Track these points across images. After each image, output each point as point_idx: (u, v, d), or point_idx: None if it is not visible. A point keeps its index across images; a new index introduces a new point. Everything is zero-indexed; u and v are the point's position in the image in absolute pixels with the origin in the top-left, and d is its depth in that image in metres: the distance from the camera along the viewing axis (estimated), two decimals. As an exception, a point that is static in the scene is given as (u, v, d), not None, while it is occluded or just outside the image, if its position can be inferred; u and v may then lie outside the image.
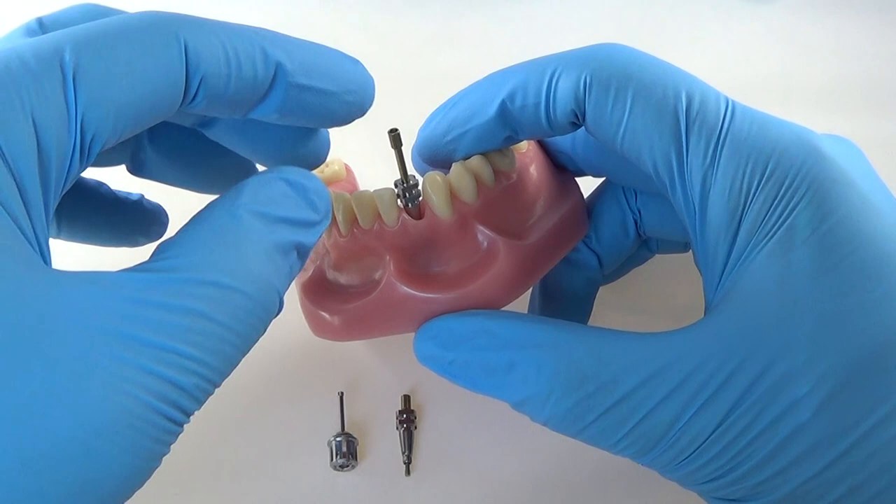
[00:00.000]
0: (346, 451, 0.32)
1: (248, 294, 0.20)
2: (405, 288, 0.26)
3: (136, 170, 0.28)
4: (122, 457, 0.18)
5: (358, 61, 0.25)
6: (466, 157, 0.27)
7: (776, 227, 0.23)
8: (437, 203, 0.26)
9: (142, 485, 0.19)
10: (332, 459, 0.32)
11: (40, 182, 0.19)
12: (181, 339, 0.18)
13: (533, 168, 0.28)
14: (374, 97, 0.26)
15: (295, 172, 0.23)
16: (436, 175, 0.26)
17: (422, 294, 0.26)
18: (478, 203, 0.27)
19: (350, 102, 0.25)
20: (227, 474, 0.32)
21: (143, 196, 0.31)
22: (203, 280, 0.19)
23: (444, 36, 0.46)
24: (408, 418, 0.33)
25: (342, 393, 0.33)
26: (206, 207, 0.22)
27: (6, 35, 0.24)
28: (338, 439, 0.32)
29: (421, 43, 0.46)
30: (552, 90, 0.25)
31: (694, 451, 0.23)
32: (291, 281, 0.22)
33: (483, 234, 0.27)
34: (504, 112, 0.26)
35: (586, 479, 0.32)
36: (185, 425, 0.19)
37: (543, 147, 0.30)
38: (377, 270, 0.28)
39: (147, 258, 0.20)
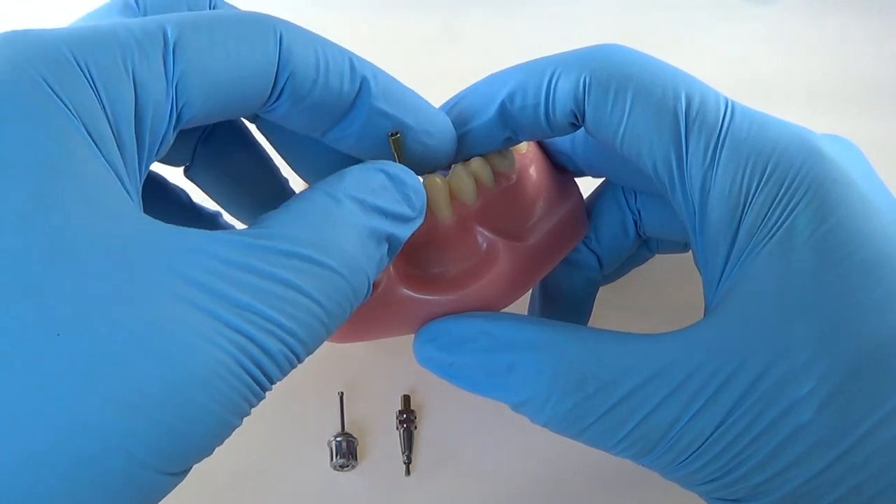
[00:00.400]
0: (346, 451, 0.32)
1: (340, 273, 0.21)
2: (405, 290, 0.26)
3: (191, 170, 0.28)
4: (211, 406, 0.18)
5: (442, 112, 0.26)
6: (466, 159, 0.27)
7: (776, 227, 0.23)
8: (437, 205, 0.26)
9: (222, 441, 0.19)
10: (332, 459, 0.32)
11: (136, 142, 0.19)
12: (272, 305, 0.19)
13: (533, 169, 0.28)
14: (454, 147, 0.26)
15: (395, 167, 0.23)
16: (435, 177, 0.26)
17: (421, 296, 0.26)
18: (477, 205, 0.27)
19: (427, 144, 0.25)
20: (228, 474, 0.32)
21: (219, 213, 0.31)
22: (299, 253, 0.20)
23: (444, 36, 0.46)
24: (408, 418, 0.33)
25: (342, 393, 0.33)
26: (307, 189, 0.22)
27: (101, 7, 0.25)
28: (338, 439, 0.32)
29: (421, 43, 0.46)
30: (551, 91, 0.25)
31: (694, 452, 0.23)
32: (380, 272, 0.23)
33: (483, 235, 0.27)
34: (503, 113, 0.26)
35: (586, 479, 0.32)
36: (267, 393, 0.20)
37: (543, 148, 0.30)
38: None
39: None
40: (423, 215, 0.24)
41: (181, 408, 0.18)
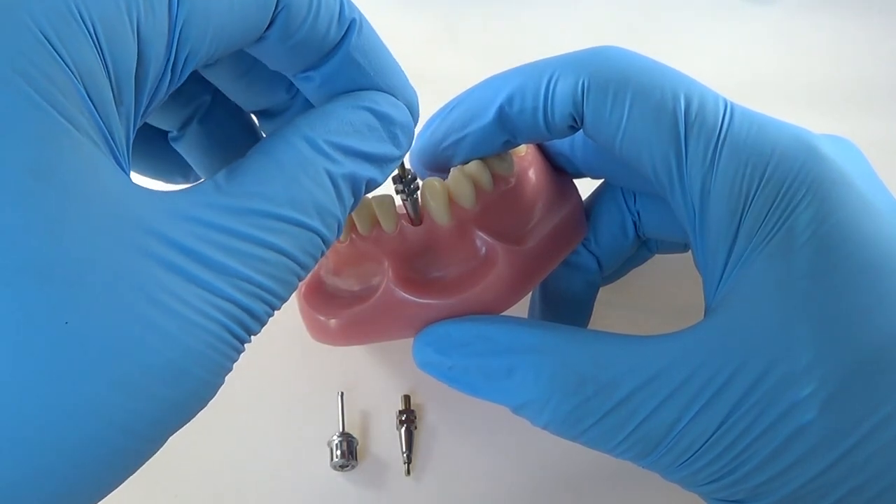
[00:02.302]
0: (346, 451, 0.32)
1: (317, 230, 0.20)
2: (404, 294, 0.26)
3: (176, 139, 0.27)
4: (202, 374, 0.18)
5: (411, 86, 0.25)
6: (465, 162, 0.27)
7: (776, 228, 0.23)
8: (436, 209, 0.26)
9: (207, 404, 0.19)
10: (332, 459, 0.32)
11: (135, 96, 0.19)
12: (255, 268, 0.19)
13: (532, 172, 0.28)
14: (413, 123, 0.25)
15: (384, 102, 0.23)
16: (434, 181, 0.26)
17: (420, 300, 0.26)
18: (476, 208, 0.27)
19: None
20: (228, 474, 0.32)
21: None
22: (279, 215, 0.20)
23: (444, 36, 0.46)
24: (408, 418, 0.33)
25: (342, 393, 0.33)
26: (288, 129, 0.21)
27: None
28: (338, 439, 0.32)
29: (421, 43, 0.46)
30: (550, 94, 0.25)
31: (694, 454, 0.23)
32: (350, 212, 0.22)
33: (481, 239, 0.27)
34: (502, 116, 0.26)
35: (586, 479, 0.32)
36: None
37: (542, 150, 0.30)
38: (376, 276, 0.28)
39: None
40: (408, 150, 0.23)
41: (178, 381, 0.18)
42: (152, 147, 0.27)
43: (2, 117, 0.16)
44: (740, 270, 0.23)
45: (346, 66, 0.22)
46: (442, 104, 0.28)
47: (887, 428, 0.21)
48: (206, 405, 0.19)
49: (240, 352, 0.19)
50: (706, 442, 0.22)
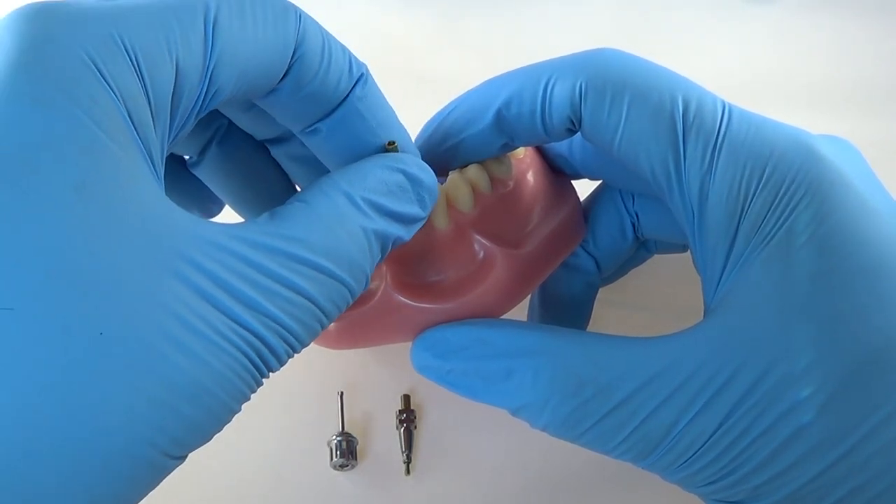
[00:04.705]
0: (346, 451, 0.32)
1: (347, 283, 0.21)
2: (402, 298, 0.26)
3: (196, 164, 0.28)
4: (222, 395, 0.19)
5: (411, 140, 0.26)
6: (463, 166, 0.27)
7: (774, 230, 0.23)
8: (434, 213, 0.26)
9: (223, 427, 0.20)
10: (331, 459, 0.32)
11: (168, 125, 0.20)
12: (283, 309, 0.20)
13: (530, 175, 0.28)
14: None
15: (414, 165, 0.24)
16: None
17: (418, 304, 0.26)
18: (474, 212, 0.27)
19: None
20: (227, 474, 0.32)
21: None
22: (313, 262, 0.20)
23: (444, 36, 0.46)
24: (408, 418, 0.33)
25: (342, 392, 0.33)
26: (327, 181, 0.22)
27: None
28: (338, 439, 0.32)
29: (421, 43, 0.46)
30: (548, 97, 0.25)
31: (693, 455, 0.23)
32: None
33: (479, 243, 0.27)
34: (500, 120, 0.26)
35: (586, 480, 0.32)
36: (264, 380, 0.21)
37: (540, 152, 0.30)
38: (374, 280, 0.28)
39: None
40: (429, 214, 0.24)
41: (200, 399, 0.18)
42: (172, 180, 0.28)
43: (49, 135, 0.17)
44: (739, 272, 0.23)
45: (351, 119, 0.24)
46: (442, 104, 0.28)
47: (887, 429, 0.21)
48: (221, 429, 0.19)
49: (259, 384, 0.20)
50: (705, 443, 0.22)
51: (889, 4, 0.47)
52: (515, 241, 0.27)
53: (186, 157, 0.28)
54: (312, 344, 0.30)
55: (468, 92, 0.27)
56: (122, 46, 0.18)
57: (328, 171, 0.25)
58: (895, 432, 0.21)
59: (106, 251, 0.17)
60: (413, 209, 0.23)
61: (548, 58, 0.26)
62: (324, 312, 0.21)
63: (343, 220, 0.21)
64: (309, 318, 0.20)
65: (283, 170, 0.29)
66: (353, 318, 0.28)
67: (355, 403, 0.33)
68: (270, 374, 0.20)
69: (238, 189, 0.29)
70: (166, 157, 0.27)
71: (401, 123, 0.25)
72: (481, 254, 0.27)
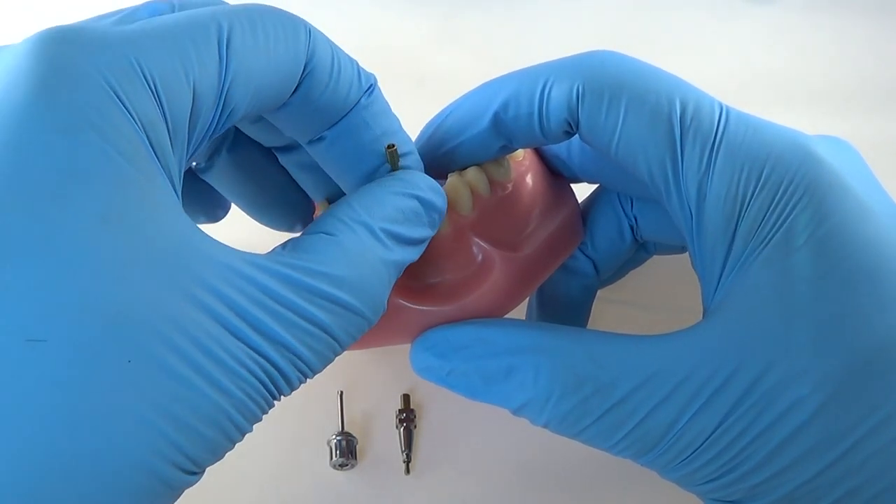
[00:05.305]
0: (346, 450, 0.32)
1: (365, 315, 0.22)
2: (401, 300, 0.26)
3: (205, 170, 0.28)
4: (236, 416, 0.19)
5: (413, 146, 0.26)
6: (462, 168, 0.27)
7: (773, 231, 0.23)
8: None
9: (235, 445, 0.20)
10: (331, 458, 0.32)
11: (186, 146, 0.20)
12: (300, 340, 0.20)
13: (529, 177, 0.28)
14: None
15: (428, 189, 0.24)
16: None
17: (417, 307, 0.26)
18: (473, 215, 0.27)
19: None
20: (227, 473, 0.32)
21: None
22: (336, 297, 0.21)
23: (444, 36, 0.46)
24: (407, 417, 0.33)
25: (342, 392, 0.33)
26: (345, 210, 0.22)
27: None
28: (337, 438, 0.32)
29: (421, 43, 0.46)
30: (545, 100, 0.25)
31: (692, 453, 0.23)
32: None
33: (478, 246, 0.27)
34: (497, 123, 0.26)
35: (587, 477, 0.32)
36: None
37: (539, 154, 0.30)
38: None
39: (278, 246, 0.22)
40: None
41: (218, 422, 0.19)
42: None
43: (75, 165, 0.17)
44: (738, 273, 0.23)
45: (356, 128, 0.24)
46: (442, 104, 0.28)
47: (885, 430, 0.21)
48: (232, 448, 0.20)
49: (271, 406, 0.21)
50: (704, 442, 0.22)
51: (889, 4, 0.47)
52: (514, 244, 0.27)
53: (194, 164, 0.28)
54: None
55: (466, 94, 0.27)
56: (141, 72, 0.19)
57: (333, 180, 0.26)
58: (893, 434, 0.21)
59: (132, 281, 0.17)
60: (425, 232, 0.24)
61: (547, 58, 0.26)
62: (338, 342, 0.21)
63: (366, 254, 0.22)
64: (324, 348, 0.21)
65: (293, 179, 0.30)
66: None
67: (355, 403, 0.33)
68: (283, 396, 0.21)
69: (249, 193, 0.29)
70: None
71: (404, 131, 0.25)
72: (480, 256, 0.27)
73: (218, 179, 0.28)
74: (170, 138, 0.19)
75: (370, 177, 0.25)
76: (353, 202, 0.23)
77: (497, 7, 0.47)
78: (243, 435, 0.20)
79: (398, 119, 0.25)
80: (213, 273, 0.19)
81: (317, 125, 0.24)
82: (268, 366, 0.20)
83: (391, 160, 0.24)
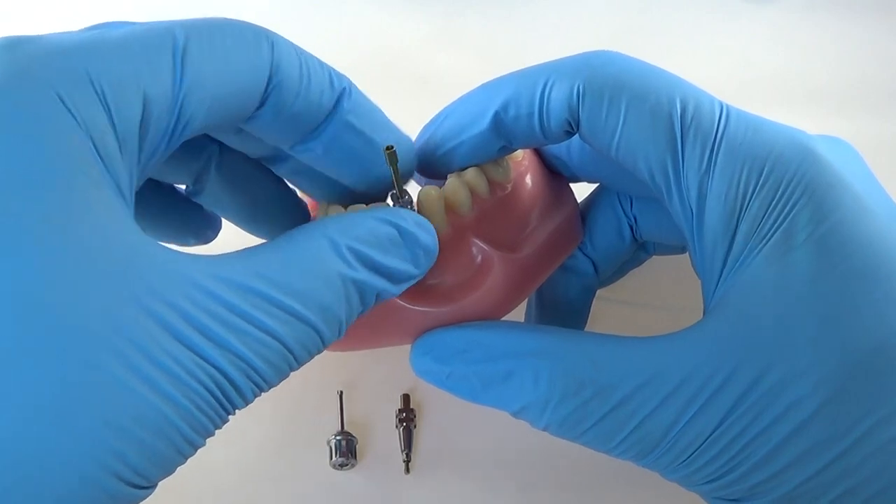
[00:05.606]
0: (346, 450, 0.32)
1: (319, 329, 0.21)
2: (400, 301, 0.26)
3: (196, 192, 0.28)
4: (185, 428, 0.19)
5: (406, 136, 0.26)
6: (462, 169, 0.27)
7: (773, 230, 0.23)
8: (432, 217, 0.26)
9: (186, 460, 0.20)
10: (331, 458, 0.32)
11: (138, 156, 0.20)
12: (251, 348, 0.20)
13: (528, 178, 0.28)
14: (413, 169, 0.26)
15: (412, 221, 0.24)
16: (431, 189, 0.26)
17: (417, 307, 0.26)
18: (473, 216, 0.27)
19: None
20: (227, 473, 0.32)
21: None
22: (282, 304, 0.20)
23: (444, 36, 0.46)
24: (407, 417, 0.33)
25: (341, 391, 0.33)
26: (311, 227, 0.22)
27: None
28: (337, 438, 0.32)
29: (421, 43, 0.46)
30: (545, 100, 0.25)
31: (692, 454, 0.23)
32: (357, 317, 0.23)
33: (477, 247, 0.27)
34: (497, 123, 0.26)
35: (586, 479, 0.32)
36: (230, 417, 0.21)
37: (538, 154, 0.30)
38: None
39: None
40: (424, 273, 0.24)
41: (163, 431, 0.18)
42: (162, 209, 0.28)
43: (16, 170, 0.17)
44: (738, 272, 0.23)
45: (343, 132, 0.24)
46: (442, 104, 0.28)
47: (884, 429, 0.21)
48: (184, 462, 0.20)
49: (224, 420, 0.20)
50: (704, 442, 0.22)
51: (889, 5, 0.47)
52: (513, 245, 0.27)
53: (184, 187, 0.28)
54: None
55: (466, 95, 0.27)
56: (90, 80, 0.19)
57: (334, 179, 0.26)
58: (892, 433, 0.21)
59: (74, 286, 0.17)
60: (403, 266, 0.23)
61: (548, 58, 0.26)
62: (293, 355, 0.21)
63: (322, 265, 0.21)
64: (277, 359, 0.20)
65: (286, 184, 0.29)
66: (353, 321, 0.28)
67: (355, 403, 0.33)
68: (236, 411, 0.20)
69: (244, 207, 0.29)
70: (159, 188, 0.27)
71: (395, 126, 0.25)
72: (479, 257, 0.27)
73: (210, 199, 0.28)
74: (119, 146, 0.19)
75: (375, 175, 0.25)
76: (328, 219, 0.23)
77: (497, 7, 0.47)
78: (195, 448, 0.20)
79: (384, 113, 0.25)
80: (160, 280, 0.18)
81: (294, 132, 0.24)
82: (217, 375, 0.19)
83: (390, 161, 0.24)
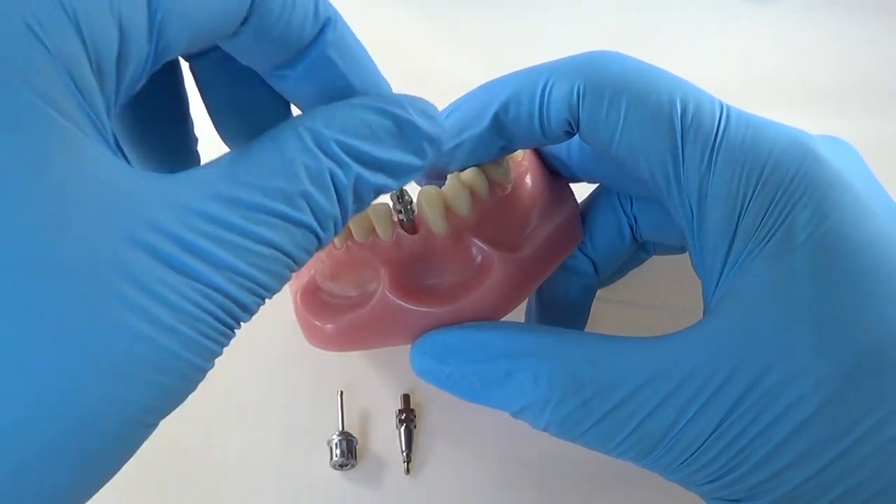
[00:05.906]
0: (346, 450, 0.32)
1: (311, 227, 0.20)
2: (399, 301, 0.26)
3: (197, 57, 0.25)
4: (192, 358, 0.18)
5: (387, 82, 0.24)
6: (462, 169, 0.27)
7: (773, 230, 0.23)
8: (432, 218, 0.26)
9: (197, 386, 0.19)
10: (331, 458, 0.32)
11: (115, 87, 0.19)
12: (248, 261, 0.19)
13: (528, 178, 0.28)
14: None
15: (411, 108, 0.22)
16: (431, 189, 0.26)
17: (416, 308, 0.26)
18: (472, 216, 0.27)
19: None
20: (227, 473, 0.32)
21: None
22: (274, 210, 0.19)
23: (444, 36, 0.46)
24: (407, 417, 0.33)
25: (342, 392, 0.33)
26: (295, 122, 0.21)
27: None
28: (337, 438, 0.32)
29: (421, 43, 0.46)
30: (545, 100, 0.25)
31: (692, 454, 0.23)
32: (355, 214, 0.22)
33: (477, 247, 0.27)
34: (498, 123, 0.26)
35: (587, 478, 0.32)
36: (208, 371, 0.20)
37: (538, 154, 0.30)
38: (372, 282, 0.28)
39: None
40: (431, 161, 0.22)
41: (170, 366, 0.18)
42: (144, 136, 0.26)
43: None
44: (738, 272, 0.23)
45: (321, 65, 0.22)
46: (441, 104, 0.28)
47: (884, 429, 0.21)
48: (195, 388, 0.19)
49: (230, 337, 0.19)
50: (704, 442, 0.22)
51: (889, 5, 0.47)
52: (513, 245, 0.27)
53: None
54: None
55: (466, 95, 0.27)
56: (63, 9, 0.17)
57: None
58: (892, 433, 0.21)
59: (68, 230, 0.17)
60: (405, 157, 0.21)
61: (548, 58, 0.26)
62: (292, 258, 0.20)
63: (308, 164, 0.20)
64: (277, 267, 0.20)
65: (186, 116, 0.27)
66: (352, 320, 0.28)
67: (355, 403, 0.33)
68: (240, 325, 0.20)
69: (236, 96, 0.26)
70: (136, 113, 0.25)
71: (377, 70, 0.23)
72: (479, 258, 0.27)
73: (209, 76, 0.25)
74: (96, 78, 0.18)
75: None
76: (314, 111, 0.21)
77: (497, 7, 0.47)
78: (203, 373, 0.19)
79: (368, 55, 0.23)
80: (149, 209, 0.18)
81: (273, 57, 0.22)
82: (220, 298, 0.18)
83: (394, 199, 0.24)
